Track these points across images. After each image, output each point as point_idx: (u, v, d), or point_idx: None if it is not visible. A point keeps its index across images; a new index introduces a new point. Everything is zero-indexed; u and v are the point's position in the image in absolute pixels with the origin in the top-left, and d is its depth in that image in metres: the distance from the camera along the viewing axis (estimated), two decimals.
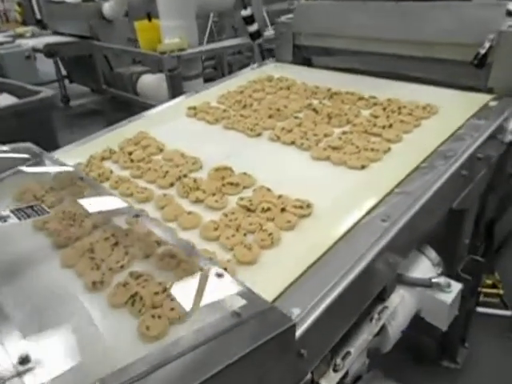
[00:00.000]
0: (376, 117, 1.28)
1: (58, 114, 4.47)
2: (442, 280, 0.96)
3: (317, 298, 0.71)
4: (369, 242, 0.82)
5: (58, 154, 1.35)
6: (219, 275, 0.68)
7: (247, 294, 0.63)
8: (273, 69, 1.86)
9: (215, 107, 1.51)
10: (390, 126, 1.20)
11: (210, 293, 0.67)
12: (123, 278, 0.81)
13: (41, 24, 5.23)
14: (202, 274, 0.79)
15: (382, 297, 0.90)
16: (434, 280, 0.96)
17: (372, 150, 1.10)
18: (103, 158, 1.28)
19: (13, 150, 1.20)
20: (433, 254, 1.07)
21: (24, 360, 0.50)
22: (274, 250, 0.85)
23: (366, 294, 0.83)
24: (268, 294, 0.73)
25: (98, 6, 3.90)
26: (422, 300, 0.98)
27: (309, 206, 0.94)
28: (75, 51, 4.01)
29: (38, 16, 5.43)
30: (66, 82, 4.86)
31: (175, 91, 2.76)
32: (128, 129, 1.45)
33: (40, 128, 1.89)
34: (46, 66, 4.52)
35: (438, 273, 1.05)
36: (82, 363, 0.62)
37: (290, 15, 1.89)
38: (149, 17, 3.36)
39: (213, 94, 1.65)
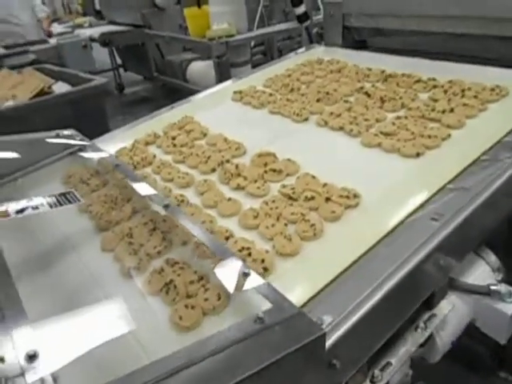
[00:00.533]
0: (435, 100, 1.17)
1: (113, 102, 4.63)
2: (503, 288, 0.84)
3: (353, 304, 0.64)
4: (417, 242, 0.73)
5: (105, 139, 1.37)
6: (246, 274, 0.64)
7: (273, 296, 0.58)
8: (322, 52, 1.76)
9: (261, 91, 1.46)
10: (452, 110, 1.09)
11: (236, 293, 0.63)
12: (160, 265, 0.79)
13: (99, 14, 5.40)
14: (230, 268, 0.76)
15: (430, 304, 0.80)
16: (492, 287, 0.84)
17: (429, 136, 1.00)
18: (147, 143, 1.27)
19: (56, 136, 1.22)
20: (492, 257, 0.94)
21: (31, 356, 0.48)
22: (317, 243, 0.79)
23: (411, 301, 0.74)
24: (305, 291, 0.68)
25: None
26: (477, 309, 0.87)
27: (356, 196, 0.87)
28: (128, 40, 4.09)
29: (97, 6, 5.60)
30: (121, 70, 5.00)
31: (223, 78, 2.72)
32: (174, 113, 1.44)
33: (93, 115, 1.93)
34: (103, 55, 4.67)
35: (497, 279, 0.92)
36: (111, 351, 0.61)
37: None
38: (198, 3, 3.34)
39: (259, 78, 1.60)
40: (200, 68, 3.37)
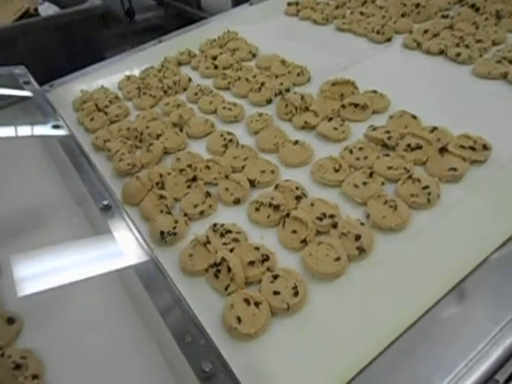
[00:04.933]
0: None
1: (121, 29, 4.20)
2: None
3: None
4: None
5: (129, 56, 1.10)
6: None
7: None
8: None
9: (324, 3, 1.14)
10: None
11: None
12: (203, 232, 0.56)
13: None
14: (317, 243, 0.52)
15: None
16: None
17: None
18: (180, 63, 1.00)
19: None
20: None
21: None
22: (431, 214, 0.54)
23: None
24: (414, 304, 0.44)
25: None
26: None
27: (486, 147, 0.60)
28: None
29: None
30: None
31: (240, 3, 2.32)
32: (211, 27, 1.15)
33: (86, 43, 1.64)
34: None
35: None
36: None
37: None
38: None
39: None
40: None
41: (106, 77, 1.00)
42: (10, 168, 0.79)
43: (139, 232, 0.56)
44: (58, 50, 1.56)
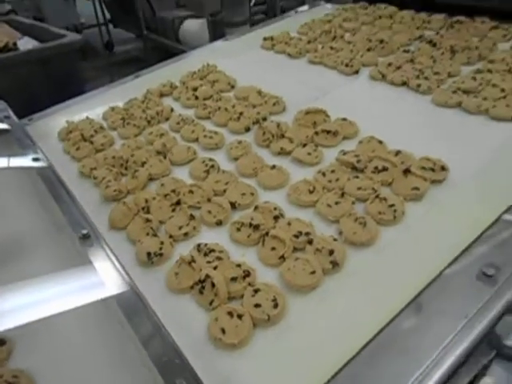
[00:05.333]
0: None
1: (100, 61, 4.25)
2: None
3: None
4: None
5: (110, 89, 1.14)
6: None
7: None
8: (330, 11, 1.42)
9: (297, 38, 1.22)
10: None
11: None
12: (187, 252, 0.60)
13: None
14: (294, 258, 0.56)
15: None
16: None
17: None
18: (162, 94, 1.05)
19: None
20: None
21: None
22: (397, 230, 0.59)
23: None
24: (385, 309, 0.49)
25: None
26: None
27: (444, 168, 0.66)
28: None
29: None
30: (111, 26, 4.56)
31: (217, 39, 2.42)
32: (191, 61, 1.21)
33: (66, 77, 1.67)
34: (91, 9, 4.24)
35: None
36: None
37: None
38: None
39: (291, 23, 1.35)
40: (193, 27, 2.99)
41: (88, 109, 1.04)
42: None
43: (118, 260, 0.59)
44: (37, 84, 1.57)
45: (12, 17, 2.43)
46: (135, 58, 4.37)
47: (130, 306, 0.54)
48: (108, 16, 4.45)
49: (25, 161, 0.85)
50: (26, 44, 1.84)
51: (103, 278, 0.57)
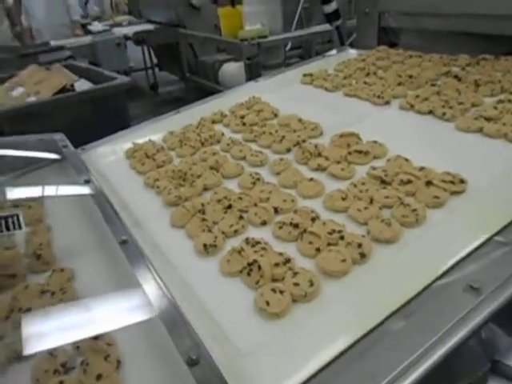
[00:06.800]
0: None
1: (146, 101, 4.59)
2: None
3: None
4: None
5: (154, 123, 1.30)
6: None
7: None
8: (355, 56, 1.55)
9: (334, 74, 1.36)
10: None
11: None
12: (237, 244, 0.71)
13: (140, 13, 5.39)
14: (328, 250, 0.66)
15: None
16: None
17: None
18: (214, 121, 1.20)
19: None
20: None
21: None
22: (420, 230, 0.68)
23: None
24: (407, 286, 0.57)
25: None
26: None
27: (462, 181, 0.75)
28: (162, 39, 3.98)
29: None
30: (157, 70, 4.95)
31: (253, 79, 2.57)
32: (238, 94, 1.37)
33: (115, 114, 1.85)
34: (141, 54, 4.63)
35: None
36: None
37: None
38: (232, 2, 3.21)
39: (330, 62, 1.50)
40: (231, 69, 3.19)
41: (134, 139, 1.17)
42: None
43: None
44: (89, 120, 1.73)
45: (70, 61, 2.68)
46: (177, 97, 4.67)
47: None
48: (155, 60, 4.86)
49: (79, 183, 0.97)
50: (82, 85, 2.06)
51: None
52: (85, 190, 0.94)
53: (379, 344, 0.52)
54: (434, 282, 0.59)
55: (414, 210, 0.70)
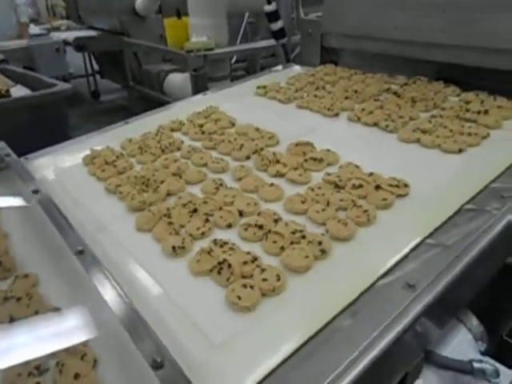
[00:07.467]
0: (468, 102, 1.17)
1: (87, 109, 4.46)
2: (488, 366, 0.68)
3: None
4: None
5: (123, 126, 1.31)
6: None
7: None
8: (300, 71, 1.66)
9: (286, 87, 1.44)
10: (486, 112, 1.09)
11: None
12: (205, 246, 0.75)
13: (81, 19, 5.24)
14: (292, 248, 0.72)
15: None
16: (476, 365, 0.68)
17: (469, 134, 1.00)
18: (172, 129, 1.23)
19: None
20: (474, 322, 0.78)
21: None
22: (371, 229, 0.76)
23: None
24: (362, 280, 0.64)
25: (131, 2, 3.70)
26: None
27: (406, 185, 0.85)
28: (104, 46, 3.88)
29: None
30: (99, 78, 4.84)
31: (199, 92, 2.58)
32: (195, 103, 1.40)
33: (54, 122, 1.77)
34: (80, 60, 4.52)
35: (480, 350, 0.77)
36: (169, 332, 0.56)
37: (319, 13, 1.69)
38: (178, 14, 3.22)
39: (279, 77, 1.58)
40: (177, 80, 3.17)
41: (77, 151, 1.15)
42: None
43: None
44: (27, 128, 1.62)
45: (4, 65, 2.51)
46: (121, 106, 4.58)
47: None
48: (96, 67, 4.73)
49: (26, 192, 0.94)
50: (18, 91, 1.94)
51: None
52: (33, 199, 0.92)
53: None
54: (378, 279, 0.66)
55: (366, 211, 0.78)
